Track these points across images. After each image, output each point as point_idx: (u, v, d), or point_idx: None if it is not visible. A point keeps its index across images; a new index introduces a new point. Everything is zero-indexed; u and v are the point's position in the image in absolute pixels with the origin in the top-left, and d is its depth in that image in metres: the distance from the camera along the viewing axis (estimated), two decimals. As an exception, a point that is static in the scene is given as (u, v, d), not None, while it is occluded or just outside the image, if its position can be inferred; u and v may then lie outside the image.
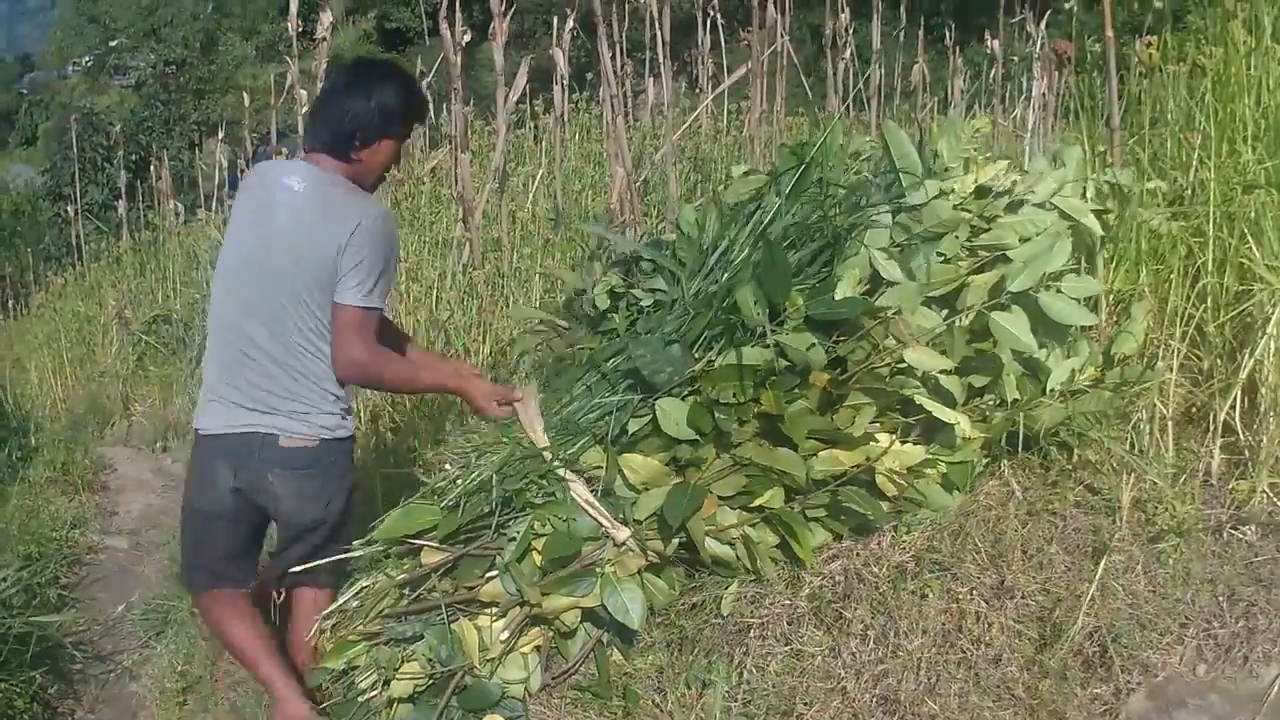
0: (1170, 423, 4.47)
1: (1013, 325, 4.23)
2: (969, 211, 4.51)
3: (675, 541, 4.25)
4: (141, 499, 9.03)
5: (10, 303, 20.55)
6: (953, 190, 4.58)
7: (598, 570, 4.16)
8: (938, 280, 4.30)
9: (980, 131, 4.89)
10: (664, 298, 4.72)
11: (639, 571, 4.22)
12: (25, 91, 67.50)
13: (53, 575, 6.92)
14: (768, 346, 4.21)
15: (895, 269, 4.32)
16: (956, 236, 4.40)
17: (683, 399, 4.32)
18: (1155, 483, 4.33)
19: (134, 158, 24.73)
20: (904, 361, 4.19)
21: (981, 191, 4.59)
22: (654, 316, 4.67)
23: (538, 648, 4.26)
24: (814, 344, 4.19)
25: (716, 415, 4.21)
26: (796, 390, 4.23)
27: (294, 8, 9.22)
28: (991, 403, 4.43)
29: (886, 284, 4.32)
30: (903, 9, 11.31)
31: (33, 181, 37.07)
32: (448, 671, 4.12)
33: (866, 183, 4.72)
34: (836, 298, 4.26)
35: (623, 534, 4.21)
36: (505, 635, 4.20)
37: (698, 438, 4.27)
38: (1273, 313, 4.34)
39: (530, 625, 4.25)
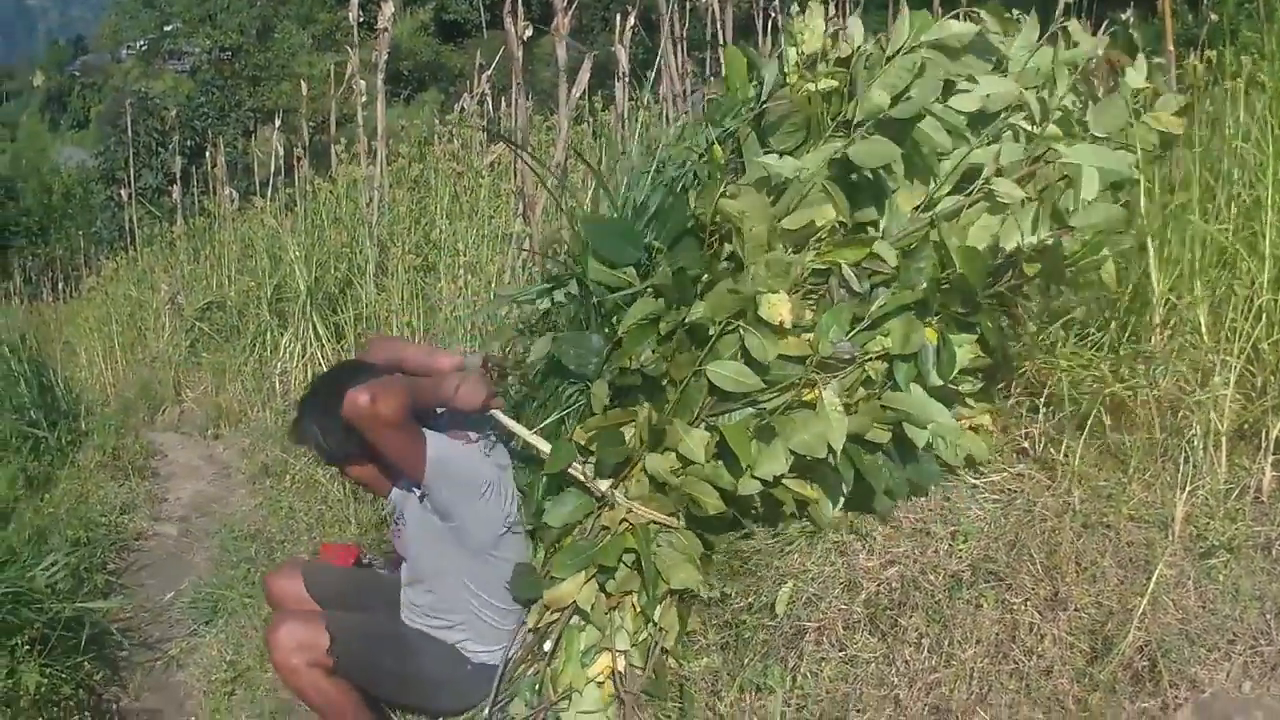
0: (1224, 439, 4.44)
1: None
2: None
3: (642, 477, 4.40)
4: (192, 486, 9.05)
5: (60, 285, 20.63)
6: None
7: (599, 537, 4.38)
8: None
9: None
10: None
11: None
12: (78, 74, 67.92)
13: (101, 561, 6.89)
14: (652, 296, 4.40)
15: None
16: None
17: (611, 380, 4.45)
18: (1208, 499, 4.35)
19: (189, 143, 24.89)
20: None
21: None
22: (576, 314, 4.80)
23: (612, 676, 4.35)
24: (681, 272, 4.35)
25: (644, 373, 4.35)
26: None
27: None
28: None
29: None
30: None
31: (84, 164, 37.23)
32: (532, 714, 4.32)
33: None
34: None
35: (603, 484, 4.38)
36: (549, 645, 4.31)
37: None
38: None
39: (599, 653, 4.35)
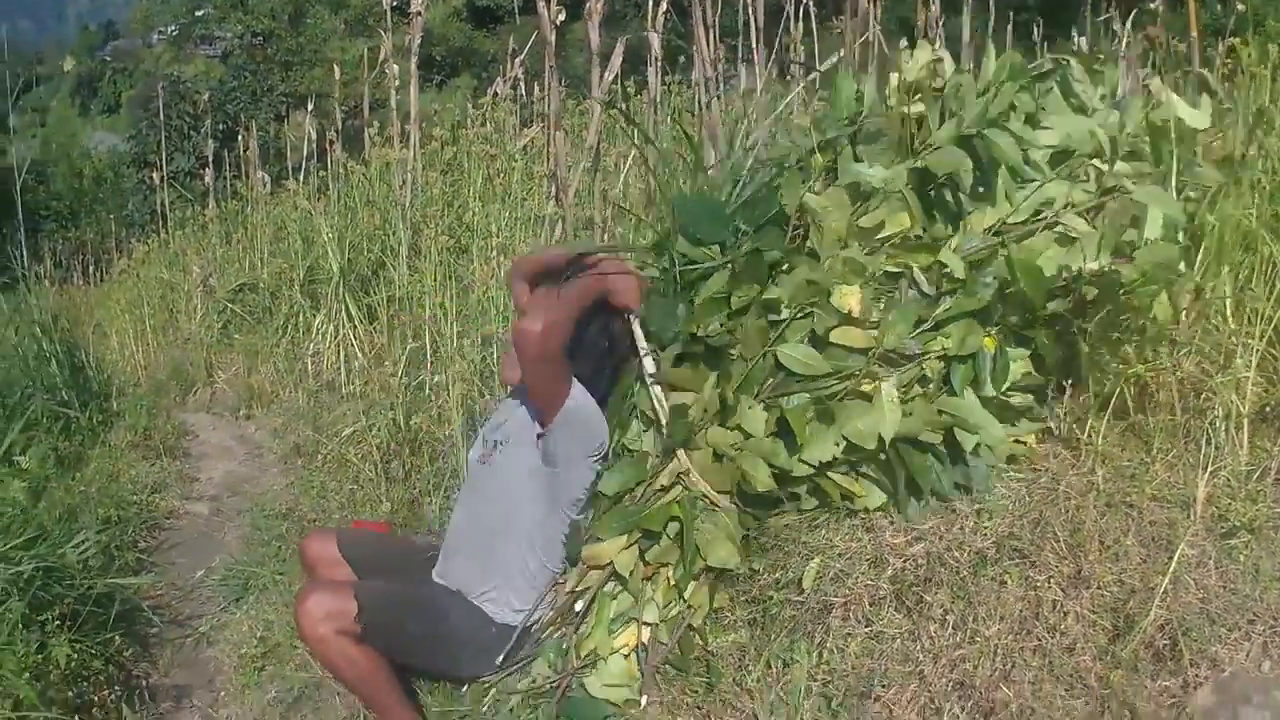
0: (1245, 421, 4.49)
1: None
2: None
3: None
4: (223, 466, 9.11)
5: (91, 269, 20.69)
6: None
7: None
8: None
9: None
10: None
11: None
12: (109, 59, 68.07)
13: (132, 539, 6.93)
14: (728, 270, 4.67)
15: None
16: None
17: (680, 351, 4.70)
18: (1229, 480, 4.40)
19: (221, 127, 24.96)
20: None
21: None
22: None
23: (639, 647, 4.45)
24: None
25: (710, 344, 4.59)
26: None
27: None
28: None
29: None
30: (992, 3, 11.23)
31: (115, 148, 37.32)
32: (557, 680, 4.42)
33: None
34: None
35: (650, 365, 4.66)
36: (580, 606, 4.40)
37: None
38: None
39: (627, 624, 4.48)
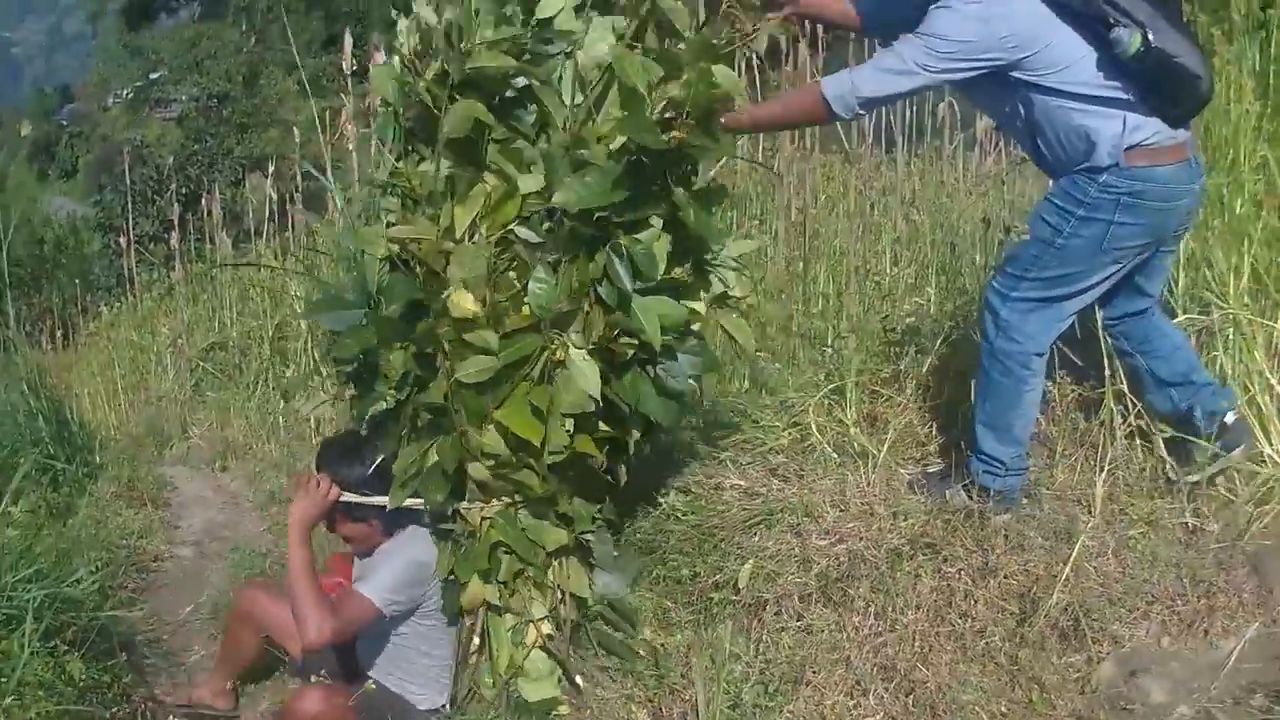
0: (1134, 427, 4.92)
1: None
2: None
3: None
4: (203, 514, 9.26)
5: (57, 333, 20.78)
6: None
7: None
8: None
9: None
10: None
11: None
12: (65, 123, 67.75)
13: (122, 580, 7.02)
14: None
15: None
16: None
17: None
18: (1126, 479, 4.85)
19: (184, 191, 25.16)
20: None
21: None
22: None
23: (549, 639, 4.75)
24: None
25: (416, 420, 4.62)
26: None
27: (349, 43, 9.51)
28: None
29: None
30: None
31: (74, 214, 37.22)
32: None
33: None
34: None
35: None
36: (476, 641, 4.84)
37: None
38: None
39: (525, 628, 4.75)
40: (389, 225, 4.56)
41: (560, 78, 4.41)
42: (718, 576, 4.95)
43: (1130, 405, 4.90)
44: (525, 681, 4.73)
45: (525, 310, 4.34)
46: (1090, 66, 4.33)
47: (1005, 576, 4.55)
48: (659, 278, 4.32)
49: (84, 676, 5.10)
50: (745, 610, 4.80)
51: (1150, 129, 4.31)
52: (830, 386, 5.77)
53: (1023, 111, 4.53)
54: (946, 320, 6.10)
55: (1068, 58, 4.34)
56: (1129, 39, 4.12)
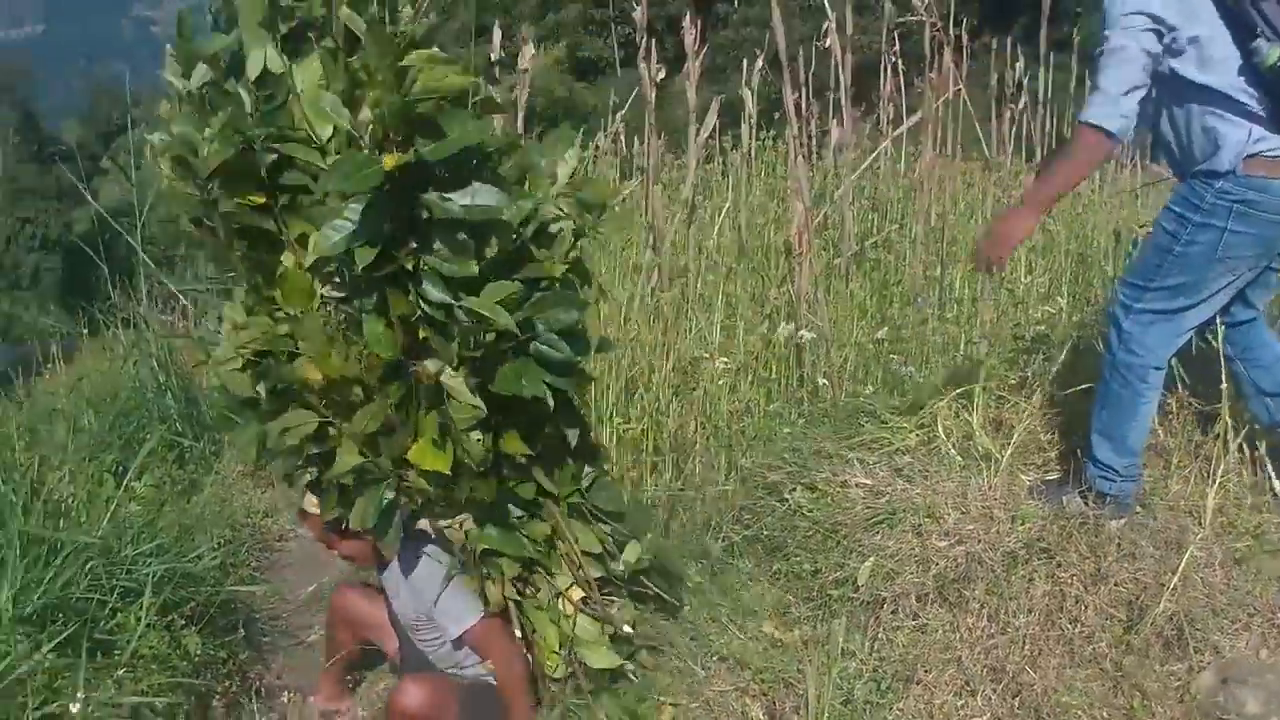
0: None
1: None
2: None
3: None
4: None
5: (191, 312, 20.90)
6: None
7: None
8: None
9: None
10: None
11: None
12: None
13: (245, 557, 7.19)
14: None
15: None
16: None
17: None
18: (1237, 493, 4.95)
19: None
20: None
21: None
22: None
23: (585, 602, 4.80)
24: None
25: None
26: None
27: (498, 34, 9.51)
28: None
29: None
30: (1074, 59, 11.37)
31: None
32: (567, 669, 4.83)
33: None
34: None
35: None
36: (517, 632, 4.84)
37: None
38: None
39: (555, 600, 4.81)
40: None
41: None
42: (839, 573, 5.08)
43: (1242, 421, 5.00)
44: (583, 649, 4.78)
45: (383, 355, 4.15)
46: (1231, 71, 4.41)
47: (1115, 584, 4.66)
48: (476, 270, 3.99)
49: (200, 651, 5.28)
50: (863, 608, 4.93)
51: (1273, 141, 4.39)
52: (958, 390, 5.85)
53: (1165, 106, 4.66)
54: (1075, 329, 6.20)
55: (1214, 56, 4.43)
56: (1268, 50, 4.22)
